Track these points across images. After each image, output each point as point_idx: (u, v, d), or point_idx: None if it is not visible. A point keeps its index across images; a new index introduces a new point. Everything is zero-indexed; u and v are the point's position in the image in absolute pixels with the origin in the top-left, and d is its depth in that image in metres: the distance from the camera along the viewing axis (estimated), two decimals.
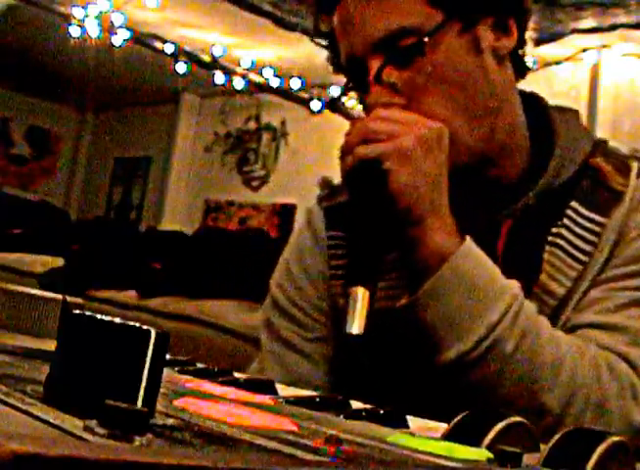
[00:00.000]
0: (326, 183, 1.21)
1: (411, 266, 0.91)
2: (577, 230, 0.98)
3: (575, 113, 1.13)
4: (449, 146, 0.93)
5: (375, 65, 0.96)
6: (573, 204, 0.99)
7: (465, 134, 0.97)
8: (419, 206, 0.88)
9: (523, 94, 1.09)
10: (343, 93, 1.08)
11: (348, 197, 0.99)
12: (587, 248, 0.97)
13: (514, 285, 0.90)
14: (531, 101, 1.10)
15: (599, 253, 0.97)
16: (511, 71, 1.04)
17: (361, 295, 0.84)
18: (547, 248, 0.97)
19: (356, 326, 0.82)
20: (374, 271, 0.88)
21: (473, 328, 0.86)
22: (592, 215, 0.98)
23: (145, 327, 0.43)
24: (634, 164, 1.03)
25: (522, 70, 1.06)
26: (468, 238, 0.90)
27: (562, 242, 0.98)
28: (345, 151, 0.92)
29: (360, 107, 1.04)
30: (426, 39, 0.94)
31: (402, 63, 0.95)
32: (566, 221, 0.98)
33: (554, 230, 0.98)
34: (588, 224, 0.98)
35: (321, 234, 1.11)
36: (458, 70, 0.97)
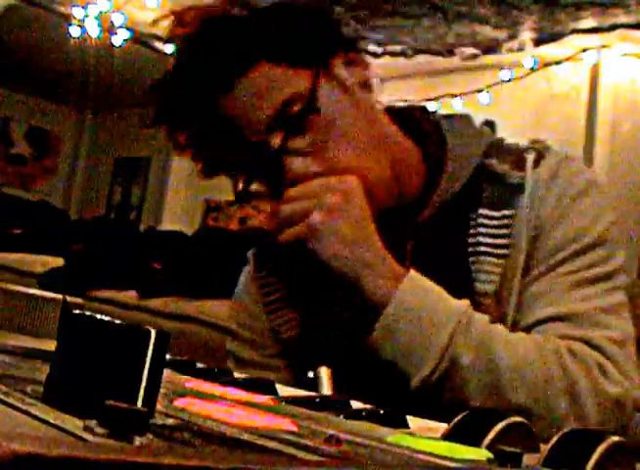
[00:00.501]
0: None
1: (362, 313, 0.96)
2: (492, 231, 1.01)
3: (465, 118, 1.15)
4: (376, 190, 0.99)
5: (276, 141, 0.98)
6: (481, 210, 1.02)
7: (379, 172, 1.01)
8: (351, 268, 0.94)
9: (411, 110, 1.13)
10: (248, 186, 1.08)
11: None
12: (503, 241, 1.00)
13: (460, 303, 0.94)
14: (421, 116, 1.13)
15: (516, 242, 1.00)
16: (374, 95, 1.07)
17: (325, 374, 0.91)
18: (471, 259, 1.01)
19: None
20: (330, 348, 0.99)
21: (427, 356, 0.91)
22: (499, 213, 1.02)
23: (145, 327, 0.43)
24: (529, 156, 1.05)
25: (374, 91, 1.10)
26: (410, 273, 0.95)
27: (482, 248, 1.01)
28: (274, 235, 0.98)
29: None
30: (311, 99, 0.98)
31: (299, 129, 0.98)
32: (480, 229, 1.01)
33: (471, 240, 1.01)
34: (498, 222, 1.01)
35: (248, 281, 1.19)
36: (344, 115, 1.01)
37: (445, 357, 0.90)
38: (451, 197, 1.04)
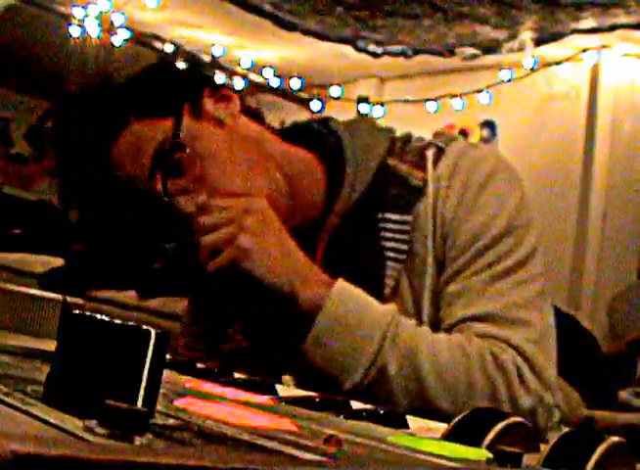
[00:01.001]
0: None
1: (296, 322, 0.99)
2: (393, 235, 1.04)
3: (364, 121, 1.18)
4: (274, 206, 1.01)
5: (158, 186, 1.02)
6: (387, 214, 1.04)
7: (273, 190, 1.04)
8: (285, 280, 0.97)
9: (310, 124, 1.17)
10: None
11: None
12: (402, 247, 1.03)
13: (388, 311, 0.96)
14: (319, 128, 1.15)
15: (420, 246, 1.02)
16: (254, 121, 1.12)
17: (290, 382, 0.97)
18: (385, 263, 1.03)
19: None
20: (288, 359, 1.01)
21: (357, 363, 0.95)
22: (399, 217, 1.04)
23: (145, 327, 0.43)
24: (428, 154, 1.06)
25: (259, 117, 1.15)
26: (338, 282, 0.97)
27: (389, 252, 1.03)
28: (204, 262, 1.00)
29: None
30: (177, 138, 1.02)
31: (178, 171, 1.02)
32: (386, 234, 1.04)
33: (384, 244, 1.04)
34: (399, 227, 1.04)
35: None
36: (219, 146, 1.04)
37: (373, 367, 0.94)
38: (354, 203, 1.06)
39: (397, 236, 1.03)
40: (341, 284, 0.97)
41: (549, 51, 5.30)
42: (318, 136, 1.13)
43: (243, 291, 1.04)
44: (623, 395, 2.50)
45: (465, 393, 0.94)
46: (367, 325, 0.95)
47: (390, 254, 1.03)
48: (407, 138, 1.11)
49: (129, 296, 3.60)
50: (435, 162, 1.05)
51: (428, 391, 0.94)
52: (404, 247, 1.03)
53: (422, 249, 1.03)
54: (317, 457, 0.39)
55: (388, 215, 1.04)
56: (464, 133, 5.94)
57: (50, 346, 0.52)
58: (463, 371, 0.94)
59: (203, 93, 1.09)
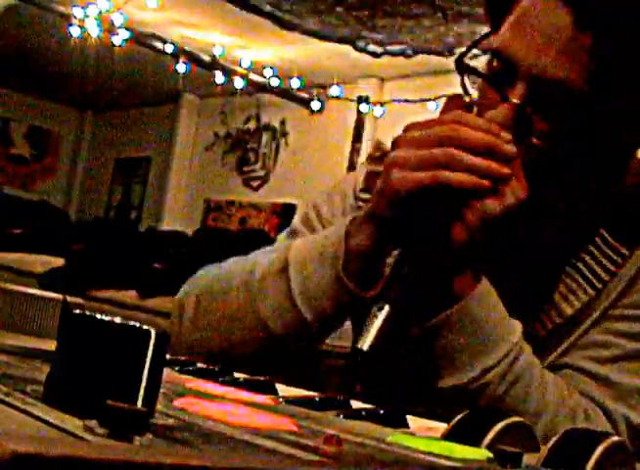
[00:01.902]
0: (379, 146, 1.18)
1: (432, 295, 0.91)
2: (600, 258, 0.96)
3: None
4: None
5: (522, 90, 0.89)
6: (603, 231, 0.97)
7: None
8: (461, 259, 0.88)
9: None
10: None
11: (405, 214, 0.88)
12: (605, 276, 0.96)
13: (517, 331, 0.91)
14: None
15: (614, 284, 0.96)
16: None
17: (385, 314, 0.84)
18: (567, 268, 0.96)
19: (367, 344, 0.83)
20: (406, 291, 0.88)
21: (469, 368, 0.89)
22: (617, 245, 0.96)
23: (145, 327, 0.43)
24: None
25: None
26: (483, 281, 0.90)
27: (581, 265, 0.96)
28: (428, 162, 0.85)
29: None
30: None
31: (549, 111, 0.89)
32: (590, 247, 0.96)
33: (577, 250, 0.97)
34: (611, 253, 0.96)
35: (350, 194, 1.10)
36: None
37: (483, 379, 0.89)
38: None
39: (607, 263, 0.96)
40: (486, 284, 0.90)
41: None
42: None
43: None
44: None
45: (546, 438, 0.91)
46: (494, 336, 0.89)
47: (589, 274, 0.96)
48: None
49: (129, 296, 3.61)
50: None
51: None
52: (606, 277, 0.95)
53: (613, 287, 0.95)
54: (317, 457, 0.39)
55: (604, 234, 0.96)
56: None
57: (50, 346, 0.52)
58: (554, 419, 0.90)
59: None
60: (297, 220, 1.14)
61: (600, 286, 0.96)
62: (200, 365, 0.78)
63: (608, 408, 0.93)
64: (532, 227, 0.97)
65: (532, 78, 0.88)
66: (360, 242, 0.92)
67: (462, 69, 0.96)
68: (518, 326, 0.91)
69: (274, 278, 0.95)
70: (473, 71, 0.96)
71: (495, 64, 0.93)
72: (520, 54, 0.89)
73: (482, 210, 0.84)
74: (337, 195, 1.12)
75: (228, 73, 6.81)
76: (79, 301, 0.86)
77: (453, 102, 0.94)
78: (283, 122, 8.14)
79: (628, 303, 0.96)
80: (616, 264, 0.96)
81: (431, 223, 0.87)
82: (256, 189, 8.35)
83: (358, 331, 0.86)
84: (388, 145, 1.02)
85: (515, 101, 0.89)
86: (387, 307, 0.84)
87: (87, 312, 0.46)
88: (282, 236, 1.14)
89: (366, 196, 1.07)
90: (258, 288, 0.95)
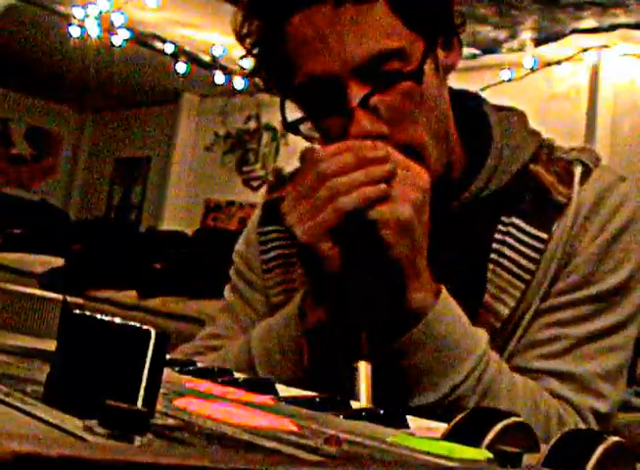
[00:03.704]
0: (277, 173, 1.19)
1: (391, 319, 0.91)
2: (520, 247, 0.95)
3: (520, 115, 1.08)
4: (433, 174, 0.92)
5: (356, 89, 0.90)
6: (515, 219, 0.96)
7: (435, 160, 0.95)
8: (405, 270, 0.87)
9: (462, 94, 1.07)
10: (306, 118, 1.01)
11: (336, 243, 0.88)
12: (530, 266, 0.95)
13: (482, 341, 0.90)
14: (471, 102, 1.07)
15: (542, 271, 0.95)
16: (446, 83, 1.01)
17: (365, 369, 0.86)
18: (490, 266, 0.96)
19: (364, 400, 0.85)
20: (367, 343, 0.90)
21: (438, 386, 0.88)
22: (534, 231, 0.96)
23: (145, 327, 0.43)
24: (576, 170, 0.99)
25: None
26: (443, 293, 0.89)
27: (506, 262, 0.95)
28: (330, 198, 0.85)
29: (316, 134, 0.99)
30: (422, 66, 0.92)
31: (385, 88, 0.91)
32: (507, 239, 0.96)
33: (495, 246, 0.96)
34: (530, 241, 0.96)
35: (253, 230, 1.15)
36: (432, 94, 0.95)
37: (453, 394, 0.88)
38: (485, 195, 0.99)
39: (526, 250, 0.95)
40: (446, 297, 0.89)
41: (549, 51, 5.29)
42: (466, 111, 1.04)
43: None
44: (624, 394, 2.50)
45: None
46: (459, 352, 0.88)
47: (515, 268, 0.95)
48: (552, 146, 1.03)
49: (129, 296, 3.61)
50: (582, 182, 0.98)
51: None
52: (532, 266, 0.95)
53: (542, 274, 0.95)
54: (317, 457, 0.39)
55: (517, 222, 0.96)
56: None
57: (50, 346, 0.51)
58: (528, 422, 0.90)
59: (455, 31, 0.98)
60: (227, 293, 1.17)
61: (528, 277, 0.95)
62: (200, 365, 0.78)
63: (574, 404, 0.93)
64: (444, 226, 0.96)
65: (353, 72, 0.90)
66: (316, 319, 0.93)
67: (296, 132, 1.01)
68: (482, 335, 0.90)
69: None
70: (302, 134, 1.01)
71: (316, 95, 0.94)
72: (326, 67, 0.91)
73: (395, 217, 0.84)
74: (250, 245, 1.15)
75: (228, 73, 6.81)
76: (79, 301, 0.86)
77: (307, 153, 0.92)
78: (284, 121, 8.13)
79: (563, 288, 0.95)
80: (538, 251, 0.95)
81: (360, 252, 0.87)
82: (256, 189, 8.34)
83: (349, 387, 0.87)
84: (287, 170, 1.07)
85: (354, 104, 0.90)
86: (362, 364, 0.86)
87: (87, 312, 0.46)
88: (226, 293, 1.18)
89: (267, 228, 1.12)
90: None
